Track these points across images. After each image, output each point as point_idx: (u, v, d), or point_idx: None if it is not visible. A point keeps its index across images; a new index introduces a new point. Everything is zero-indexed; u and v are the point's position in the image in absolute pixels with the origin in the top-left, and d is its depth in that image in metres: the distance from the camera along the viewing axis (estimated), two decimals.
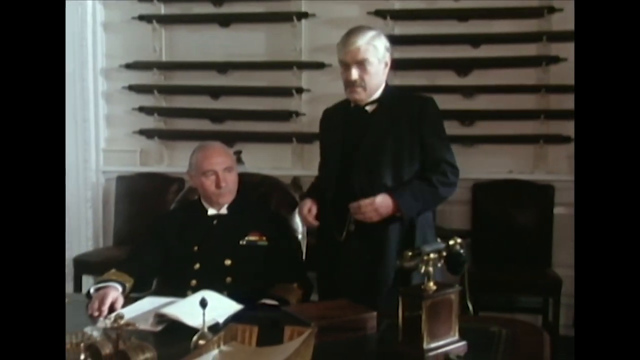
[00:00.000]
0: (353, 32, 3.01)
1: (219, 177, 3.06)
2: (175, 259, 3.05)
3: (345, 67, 3.00)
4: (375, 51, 2.98)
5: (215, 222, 3.11)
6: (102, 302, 2.68)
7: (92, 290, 2.83)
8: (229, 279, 2.96)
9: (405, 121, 3.01)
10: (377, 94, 3.06)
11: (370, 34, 3.00)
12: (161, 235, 3.11)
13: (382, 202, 2.94)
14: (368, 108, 3.06)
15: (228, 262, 2.99)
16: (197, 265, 3.00)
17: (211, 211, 3.13)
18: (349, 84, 3.01)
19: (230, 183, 3.09)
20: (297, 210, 3.21)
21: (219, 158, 3.10)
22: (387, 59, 3.04)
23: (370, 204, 2.94)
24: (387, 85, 3.10)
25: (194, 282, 2.95)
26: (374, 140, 3.01)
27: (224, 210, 3.13)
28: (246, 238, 3.06)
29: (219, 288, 2.79)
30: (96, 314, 2.65)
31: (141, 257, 3.06)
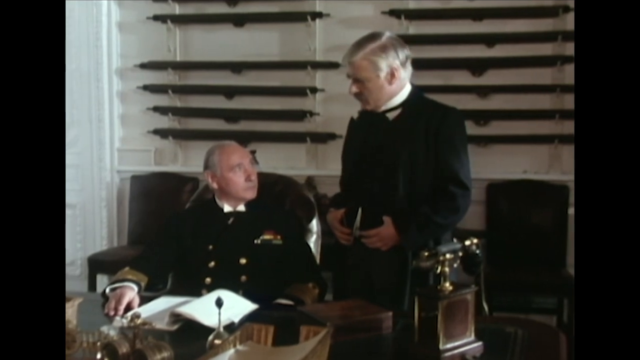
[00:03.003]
0: (354, 46, 2.95)
1: (248, 169, 3.08)
2: (190, 258, 3.05)
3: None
4: (373, 67, 2.91)
5: (230, 221, 3.11)
6: (118, 302, 2.69)
7: (107, 290, 2.84)
8: (244, 278, 2.96)
9: (422, 133, 2.95)
10: (399, 100, 3.00)
11: (370, 47, 2.91)
12: (176, 233, 3.11)
13: (387, 233, 2.94)
14: (389, 115, 3.01)
15: (243, 260, 3.00)
16: (212, 264, 3.01)
17: (227, 208, 3.13)
18: (354, 96, 3.01)
19: (255, 179, 3.11)
20: (327, 218, 3.17)
21: (244, 153, 3.15)
22: (396, 69, 2.93)
23: (375, 234, 2.96)
24: (413, 88, 3.05)
25: (208, 280, 2.96)
26: (391, 152, 2.97)
27: (241, 208, 3.12)
28: (261, 237, 3.06)
29: (234, 286, 2.79)
30: (112, 313, 2.66)
31: (155, 255, 3.07)
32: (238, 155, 3.11)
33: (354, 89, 2.96)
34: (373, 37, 2.97)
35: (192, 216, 3.20)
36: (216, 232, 3.07)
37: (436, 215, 2.92)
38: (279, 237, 3.07)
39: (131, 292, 2.76)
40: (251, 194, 3.11)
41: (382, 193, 2.97)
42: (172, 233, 3.12)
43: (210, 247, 3.04)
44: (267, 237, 3.06)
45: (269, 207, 3.21)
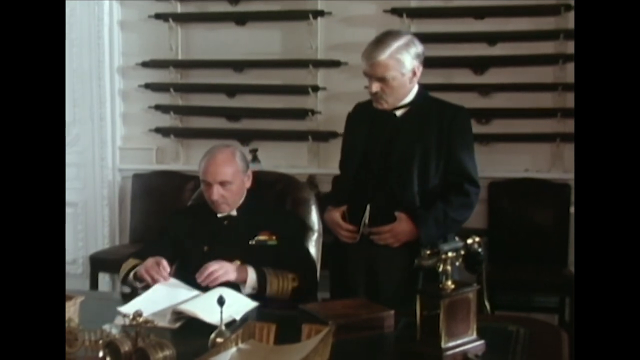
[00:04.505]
0: (377, 44, 2.91)
1: (212, 190, 3.00)
2: (186, 258, 3.05)
3: (368, 78, 2.95)
4: (399, 65, 2.89)
5: (226, 222, 3.09)
6: (159, 266, 2.82)
7: (130, 276, 2.92)
8: None
9: (434, 131, 2.96)
10: (408, 99, 3.00)
11: (396, 44, 2.89)
12: (173, 231, 3.11)
13: (402, 229, 2.93)
14: (398, 112, 3.01)
15: (238, 262, 2.96)
16: None
17: (220, 213, 3.09)
18: (372, 95, 2.98)
19: (227, 196, 3.03)
20: (325, 217, 3.15)
21: (218, 169, 3.00)
22: (417, 67, 2.94)
23: (389, 230, 2.94)
24: (420, 88, 3.04)
25: None
26: (404, 148, 2.97)
27: (233, 212, 3.09)
28: (256, 238, 3.04)
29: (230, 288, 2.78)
30: (162, 279, 2.81)
31: (155, 248, 3.06)
32: (208, 172, 3.01)
33: (375, 88, 2.93)
34: (394, 34, 2.96)
35: (190, 215, 3.18)
36: (211, 233, 3.06)
37: (453, 211, 2.95)
38: (274, 237, 3.04)
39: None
40: (220, 209, 3.06)
41: (396, 189, 2.96)
42: (172, 230, 3.12)
43: (206, 248, 3.02)
44: (261, 237, 3.04)
45: (267, 208, 3.18)
